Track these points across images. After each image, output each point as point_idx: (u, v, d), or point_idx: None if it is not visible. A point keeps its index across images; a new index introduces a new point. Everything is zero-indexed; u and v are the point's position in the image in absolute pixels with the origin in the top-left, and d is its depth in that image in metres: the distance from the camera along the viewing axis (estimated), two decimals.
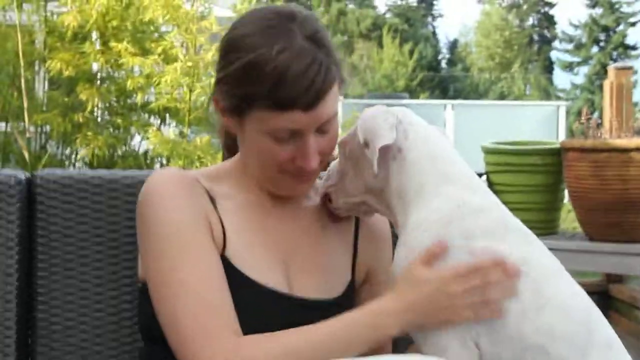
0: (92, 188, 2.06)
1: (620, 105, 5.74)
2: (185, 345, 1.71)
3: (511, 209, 1.80)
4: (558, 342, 1.67)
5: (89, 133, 7.77)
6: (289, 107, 1.74)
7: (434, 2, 46.78)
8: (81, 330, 2.04)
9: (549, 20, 42.93)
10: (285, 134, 1.78)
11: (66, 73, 7.82)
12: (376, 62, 37.99)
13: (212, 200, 1.84)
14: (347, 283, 1.92)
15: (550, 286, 1.70)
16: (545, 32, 42.89)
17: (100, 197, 2.06)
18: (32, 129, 8.21)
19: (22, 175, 2.05)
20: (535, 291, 1.69)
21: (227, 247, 1.81)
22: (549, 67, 41.79)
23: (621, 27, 38.52)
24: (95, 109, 8.17)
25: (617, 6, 38.44)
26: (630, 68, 6.05)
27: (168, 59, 7.52)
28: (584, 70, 38.50)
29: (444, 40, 46.43)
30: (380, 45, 38.87)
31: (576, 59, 39.09)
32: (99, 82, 8.19)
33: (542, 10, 42.96)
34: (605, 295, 6.22)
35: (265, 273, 1.83)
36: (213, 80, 1.89)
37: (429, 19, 46.82)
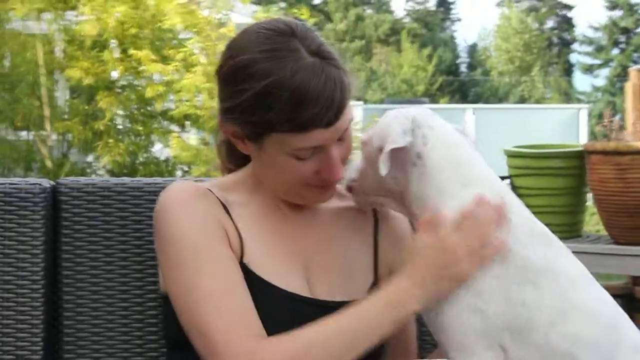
0: (116, 195, 2.06)
1: None
2: (211, 350, 1.72)
3: (534, 212, 1.79)
4: (585, 348, 1.66)
5: (110, 140, 7.80)
6: (310, 128, 1.74)
7: (452, 6, 46.71)
8: (107, 337, 2.05)
9: (568, 23, 42.80)
10: (307, 152, 1.78)
11: (86, 81, 7.86)
12: (395, 67, 37.94)
13: (227, 209, 1.84)
14: (370, 284, 1.92)
15: (576, 292, 1.69)
16: (565, 34, 42.76)
17: (124, 204, 2.06)
18: (53, 137, 8.25)
19: (47, 183, 2.06)
20: (561, 297, 1.68)
21: (245, 254, 1.81)
22: (569, 70, 41.65)
23: None
24: (115, 116, 8.21)
25: (636, 8, 38.28)
26: None
27: (187, 66, 7.54)
28: (605, 72, 38.36)
29: (462, 44, 46.31)
30: (399, 50, 38.83)
31: (596, 62, 38.95)
32: (118, 90, 8.23)
33: (561, 13, 42.84)
34: (630, 297, 6.18)
35: (285, 277, 1.83)
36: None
37: (448, 23, 46.74)
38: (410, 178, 1.77)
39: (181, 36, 8.24)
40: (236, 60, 1.78)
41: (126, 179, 2.09)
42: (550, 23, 42.88)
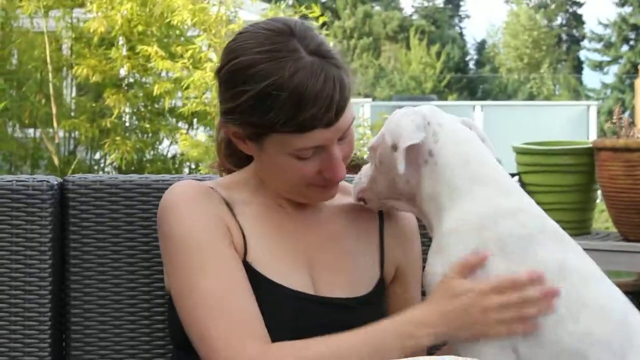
0: (123, 192, 2.07)
1: None
2: (212, 355, 1.72)
3: (544, 210, 1.79)
4: (596, 346, 1.65)
5: (117, 138, 7.81)
6: (310, 128, 1.74)
7: (461, 3, 46.63)
8: (115, 334, 2.05)
9: (578, 20, 42.69)
10: (308, 152, 1.78)
11: (93, 79, 7.87)
12: (403, 64, 37.90)
13: (230, 207, 1.84)
14: (377, 280, 1.92)
15: (587, 290, 1.69)
16: (574, 31, 42.67)
17: (131, 201, 2.07)
18: (60, 134, 8.26)
19: (54, 180, 2.06)
20: (572, 295, 1.68)
21: (248, 252, 1.81)
22: (578, 67, 41.56)
23: None
24: (123, 114, 8.21)
25: None
26: None
27: (196, 63, 7.54)
28: (614, 69, 38.26)
29: (471, 41, 46.34)
30: (408, 47, 38.78)
31: (606, 58, 38.85)
32: (126, 87, 8.23)
33: (571, 10, 42.75)
34: None
35: (289, 275, 1.83)
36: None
37: (456, 20, 46.67)
38: (422, 176, 1.77)
39: (189, 34, 8.25)
40: (235, 61, 1.78)
41: (134, 176, 2.09)
42: (559, 20, 42.79)
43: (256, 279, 1.79)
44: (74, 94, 9.10)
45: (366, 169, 1.90)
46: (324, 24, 7.98)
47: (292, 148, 1.77)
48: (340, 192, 1.92)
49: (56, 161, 8.06)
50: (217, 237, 1.79)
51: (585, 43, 41.78)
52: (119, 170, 7.91)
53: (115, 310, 2.05)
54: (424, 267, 1.81)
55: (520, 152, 4.65)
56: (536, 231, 1.72)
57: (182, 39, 8.16)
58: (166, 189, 1.87)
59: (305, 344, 1.71)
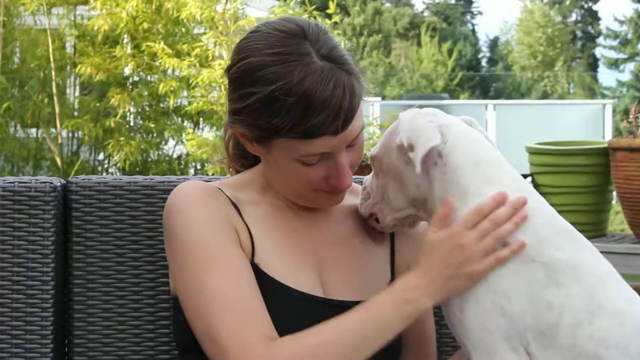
0: (128, 194, 2.07)
1: None
2: (222, 355, 1.72)
3: (557, 211, 1.79)
4: (612, 350, 1.65)
5: (122, 138, 7.82)
6: (317, 135, 1.74)
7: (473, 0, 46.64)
8: (119, 339, 2.05)
9: (593, 16, 42.62)
10: (314, 158, 1.78)
11: (97, 78, 7.88)
12: (414, 62, 37.88)
13: (237, 207, 1.85)
14: (388, 282, 1.92)
15: (603, 291, 1.68)
16: (589, 28, 42.61)
17: (136, 203, 2.07)
18: (63, 134, 8.27)
19: (57, 182, 2.06)
20: (587, 297, 1.67)
21: (256, 254, 1.82)
22: (593, 65, 41.49)
23: None
24: (127, 113, 8.22)
25: None
26: None
27: (203, 61, 7.55)
28: (630, 67, 38.19)
29: (484, 38, 46.31)
30: (419, 44, 38.77)
31: (622, 56, 38.78)
32: (130, 86, 8.24)
33: (586, 6, 42.68)
34: None
35: (298, 277, 1.83)
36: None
37: (468, 16, 46.64)
38: (432, 179, 1.77)
39: (195, 31, 8.26)
40: (245, 62, 1.78)
41: (138, 177, 2.09)
42: (574, 16, 42.73)
43: (264, 281, 1.79)
44: (77, 93, 9.12)
45: (370, 184, 1.89)
46: (335, 23, 7.98)
47: (298, 154, 1.77)
48: (349, 193, 1.92)
49: (59, 162, 8.08)
50: (224, 238, 1.79)
51: (600, 40, 41.70)
52: (123, 171, 7.92)
53: (118, 315, 2.05)
54: None
55: (533, 152, 4.65)
56: (550, 231, 1.72)
57: (189, 36, 8.17)
58: (171, 190, 1.87)
59: (308, 332, 1.72)
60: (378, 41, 39.11)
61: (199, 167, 7.98)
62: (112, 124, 7.90)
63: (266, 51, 1.76)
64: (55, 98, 8.12)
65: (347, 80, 1.75)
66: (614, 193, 4.52)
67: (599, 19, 42.81)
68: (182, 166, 8.20)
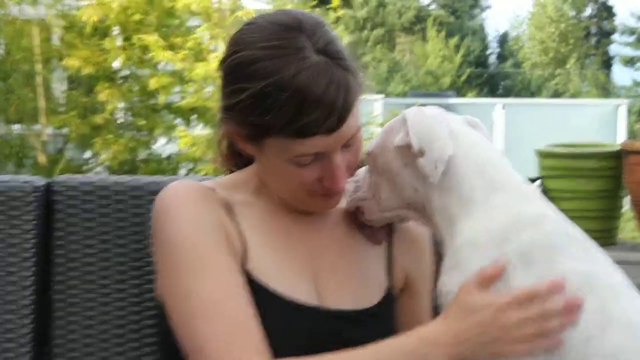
0: (114, 195, 2.07)
1: None
2: None
3: (567, 218, 1.78)
4: None
5: (109, 136, 7.82)
6: (309, 134, 1.74)
7: None
8: (101, 348, 2.05)
9: (608, 11, 42.66)
10: (308, 158, 1.78)
11: (85, 71, 7.88)
12: (420, 58, 37.90)
13: (230, 210, 1.84)
14: (385, 290, 1.92)
15: (616, 303, 1.67)
16: (604, 24, 42.63)
17: (123, 205, 2.07)
18: (48, 131, 8.27)
19: (40, 181, 2.07)
20: (600, 309, 1.66)
21: (249, 259, 1.81)
22: (607, 62, 41.53)
23: None
24: (116, 109, 8.22)
25: None
26: None
27: (197, 54, 7.55)
28: None
29: (493, 33, 46.32)
30: (424, 39, 38.79)
31: (638, 53, 38.82)
32: (120, 80, 8.24)
33: (601, 1, 42.73)
34: None
35: (292, 285, 1.83)
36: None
37: (477, 10, 46.67)
38: (431, 186, 1.76)
39: (190, 24, 8.26)
40: (237, 55, 1.78)
41: (125, 178, 2.09)
42: (588, 11, 42.75)
43: (256, 290, 1.79)
44: (64, 88, 9.11)
45: (362, 178, 1.88)
46: (337, 18, 7.98)
47: (291, 154, 1.77)
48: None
49: (43, 160, 8.07)
50: (215, 241, 1.79)
51: (616, 36, 41.72)
52: (111, 170, 7.91)
53: (101, 324, 2.05)
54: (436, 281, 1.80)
55: (543, 155, 4.66)
56: (561, 240, 1.71)
57: (183, 28, 8.17)
58: (160, 191, 1.87)
59: None
60: (381, 35, 39.13)
61: (190, 167, 7.98)
62: (100, 121, 7.90)
63: (259, 44, 1.76)
64: (40, 92, 8.12)
65: (342, 77, 1.74)
66: (626, 199, 4.53)
67: (614, 14, 42.84)
68: (172, 166, 8.20)
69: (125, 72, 8.30)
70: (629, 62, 39.17)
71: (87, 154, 8.46)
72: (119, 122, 8.36)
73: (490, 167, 1.75)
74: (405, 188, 1.79)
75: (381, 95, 16.29)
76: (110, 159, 7.79)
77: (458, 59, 37.43)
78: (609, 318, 1.66)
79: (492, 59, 44.87)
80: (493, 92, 38.70)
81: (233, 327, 1.72)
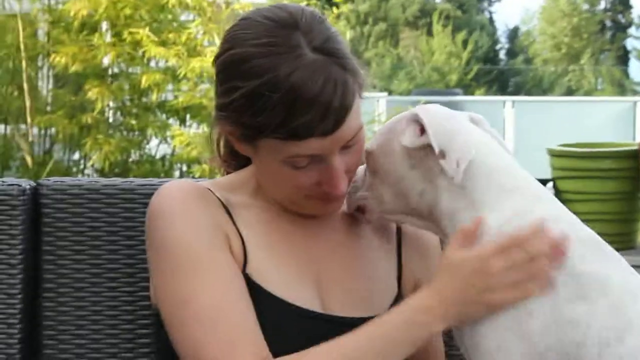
0: (105, 198, 2.07)
1: None
2: None
3: (582, 220, 1.79)
4: None
5: (100, 136, 7.81)
6: (304, 136, 1.73)
7: None
8: (93, 358, 2.05)
9: (624, 4, 42.69)
10: (304, 160, 1.77)
11: (73, 68, 7.87)
12: (425, 54, 37.92)
13: (229, 211, 1.85)
14: (394, 297, 1.92)
15: (633, 307, 1.68)
16: (620, 17, 42.66)
17: (114, 208, 2.07)
18: (35, 131, 8.27)
19: (27, 184, 2.07)
20: (616, 313, 1.67)
21: (248, 262, 1.82)
22: (623, 58, 41.57)
23: None
24: (106, 108, 8.22)
25: None
26: None
27: (190, 51, 7.55)
28: None
29: (502, 28, 46.36)
30: (430, 34, 38.82)
31: None
32: (110, 78, 8.24)
33: None
34: None
35: (294, 290, 1.83)
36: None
37: (485, 3, 46.73)
38: (439, 187, 1.76)
39: (182, 18, 8.26)
40: (230, 52, 1.78)
41: (117, 180, 2.09)
42: (602, 4, 42.78)
43: (256, 294, 1.79)
44: (50, 86, 9.11)
45: (360, 177, 1.88)
46: (339, 15, 7.99)
47: (285, 155, 1.76)
48: None
49: (29, 162, 8.08)
50: (213, 244, 1.79)
51: (632, 30, 41.74)
52: (101, 173, 7.91)
53: (93, 332, 2.05)
54: None
55: (555, 154, 4.66)
56: (575, 242, 1.71)
57: (176, 23, 8.17)
58: (153, 194, 1.87)
59: (305, 354, 1.72)
60: (384, 30, 39.15)
61: (185, 168, 7.98)
62: (90, 120, 7.89)
63: (252, 41, 1.76)
64: (26, 91, 8.12)
65: (340, 76, 1.73)
66: None
67: (631, 6, 42.84)
68: (166, 168, 8.20)
69: (116, 69, 8.30)
70: None
71: (76, 155, 8.46)
72: (109, 121, 8.36)
73: (498, 169, 1.76)
74: (410, 193, 1.79)
75: (384, 93, 16.29)
76: (100, 160, 7.79)
77: (465, 55, 37.45)
78: (625, 322, 1.66)
79: (502, 54, 44.92)
80: (503, 89, 38.73)
81: (232, 335, 1.73)
